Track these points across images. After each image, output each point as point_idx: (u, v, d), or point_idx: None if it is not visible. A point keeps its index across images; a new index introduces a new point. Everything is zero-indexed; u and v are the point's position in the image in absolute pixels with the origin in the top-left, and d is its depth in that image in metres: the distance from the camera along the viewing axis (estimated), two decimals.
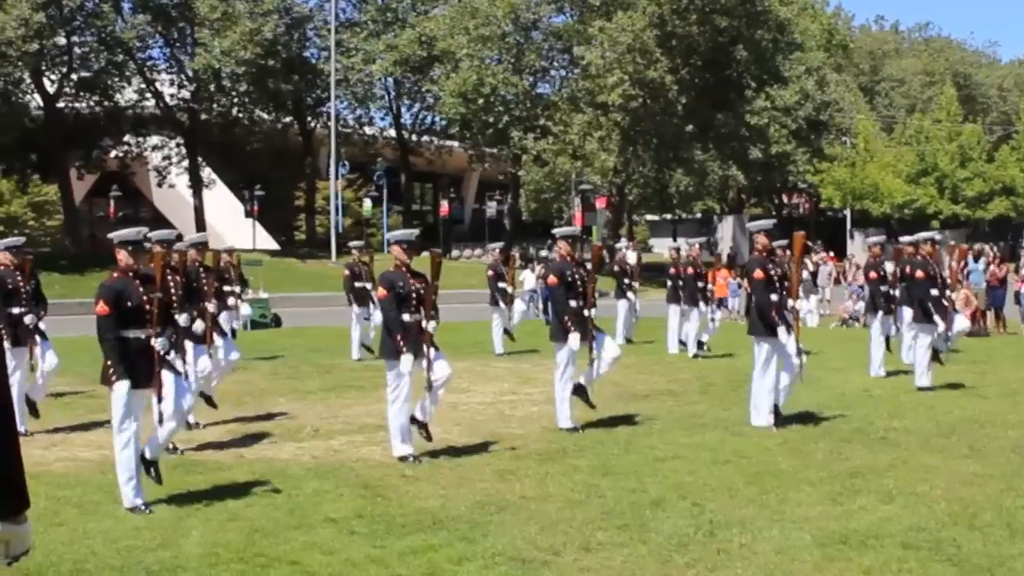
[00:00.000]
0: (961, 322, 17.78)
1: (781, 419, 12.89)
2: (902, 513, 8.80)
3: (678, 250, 24.28)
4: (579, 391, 12.99)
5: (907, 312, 17.14)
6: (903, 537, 8.08)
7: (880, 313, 18.23)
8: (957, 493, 9.46)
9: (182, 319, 11.98)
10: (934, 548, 7.85)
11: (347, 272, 23.22)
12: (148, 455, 9.49)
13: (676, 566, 7.53)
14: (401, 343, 11.00)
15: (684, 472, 10.43)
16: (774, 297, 12.99)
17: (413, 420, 11.29)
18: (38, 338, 14.05)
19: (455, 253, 66.05)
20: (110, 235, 9.98)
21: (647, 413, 14.14)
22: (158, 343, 9.27)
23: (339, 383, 18.14)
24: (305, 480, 10.24)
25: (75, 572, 7.50)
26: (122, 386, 9.10)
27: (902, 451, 11.41)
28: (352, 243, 25.74)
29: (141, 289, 9.40)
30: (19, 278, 13.69)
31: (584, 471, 10.55)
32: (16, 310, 13.45)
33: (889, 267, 18.24)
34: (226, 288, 21.37)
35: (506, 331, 23.36)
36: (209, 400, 13.52)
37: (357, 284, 22.28)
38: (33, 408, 13.45)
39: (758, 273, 13.11)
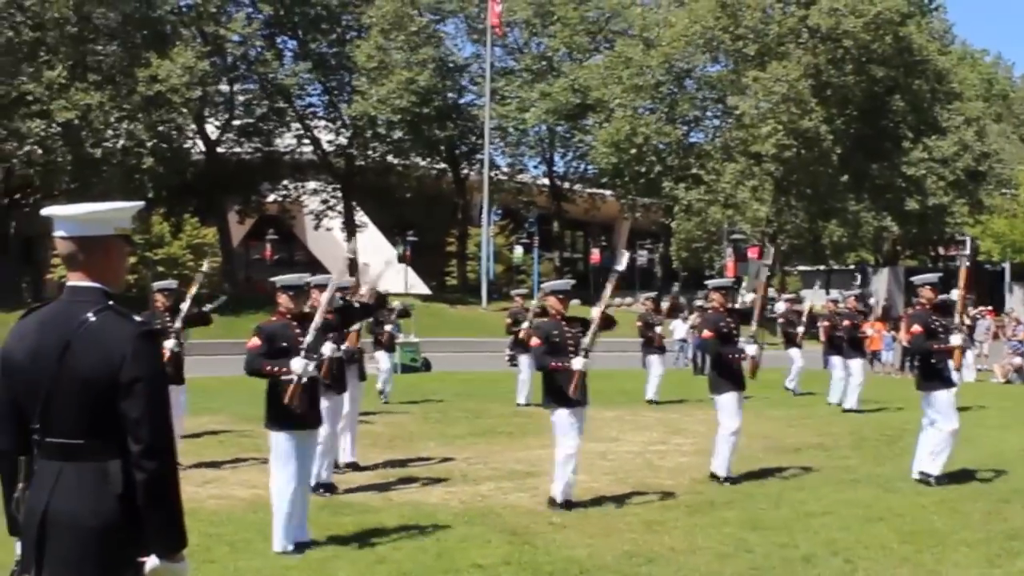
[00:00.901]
0: None
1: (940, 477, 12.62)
2: None
3: (836, 302, 24.01)
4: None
5: None
6: None
7: None
8: None
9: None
10: None
11: (509, 320, 23.27)
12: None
13: None
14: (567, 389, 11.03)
15: (835, 528, 10.25)
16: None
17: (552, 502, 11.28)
18: None
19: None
20: (272, 279, 10.21)
21: (798, 467, 13.94)
22: (297, 364, 9.31)
23: (488, 428, 18.24)
24: (453, 525, 10.30)
25: None
26: (280, 435, 9.37)
27: None
28: (515, 291, 25.94)
29: (298, 330, 9.60)
30: (167, 319, 14.16)
31: (733, 524, 10.43)
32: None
33: None
34: (377, 332, 21.87)
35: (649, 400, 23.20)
36: None
37: (518, 330, 22.19)
38: None
39: (916, 328, 12.89)
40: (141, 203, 4.75)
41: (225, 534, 9.86)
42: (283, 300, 9.83)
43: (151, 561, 3.92)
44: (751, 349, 12.82)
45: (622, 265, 11.97)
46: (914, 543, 9.62)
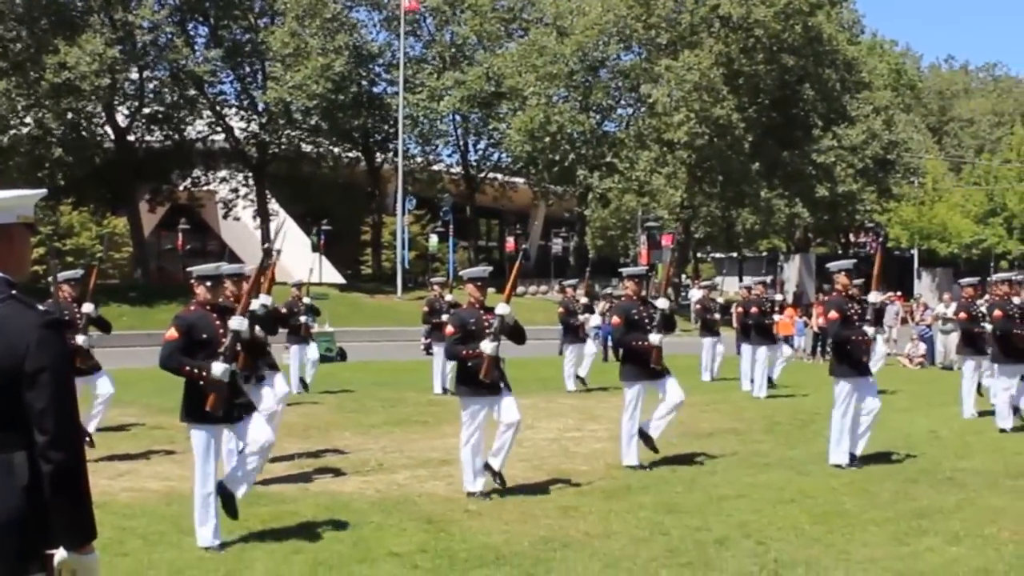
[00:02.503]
0: None
1: (856, 460, 12.79)
2: (969, 555, 8.69)
3: (749, 289, 24.28)
4: (643, 436, 12.93)
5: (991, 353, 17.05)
6: None
7: (973, 354, 18.05)
8: None
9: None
10: None
11: (427, 308, 23.17)
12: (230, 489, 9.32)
13: None
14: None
15: (748, 511, 10.37)
16: (852, 336, 12.92)
17: (487, 467, 11.30)
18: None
19: (520, 289, 66.14)
20: (189, 269, 10.05)
21: (712, 451, 14.07)
22: (217, 369, 9.07)
23: (404, 417, 18.21)
24: (369, 514, 10.27)
25: None
26: (217, 365, 9.05)
27: (969, 492, 11.29)
28: (434, 279, 25.89)
29: (218, 323, 9.40)
30: (76, 310, 14.02)
31: (648, 508, 10.51)
32: (76, 340, 13.72)
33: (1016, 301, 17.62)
34: (293, 322, 21.70)
35: (579, 378, 23.33)
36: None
37: (435, 320, 22.12)
38: (88, 439, 13.61)
39: (833, 314, 13.05)
40: (43, 191, 4.68)
41: (138, 527, 9.74)
42: (200, 291, 9.59)
43: (59, 554, 3.86)
44: (654, 338, 12.84)
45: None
46: (825, 524, 9.76)
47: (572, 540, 9.23)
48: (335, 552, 8.82)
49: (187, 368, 9.07)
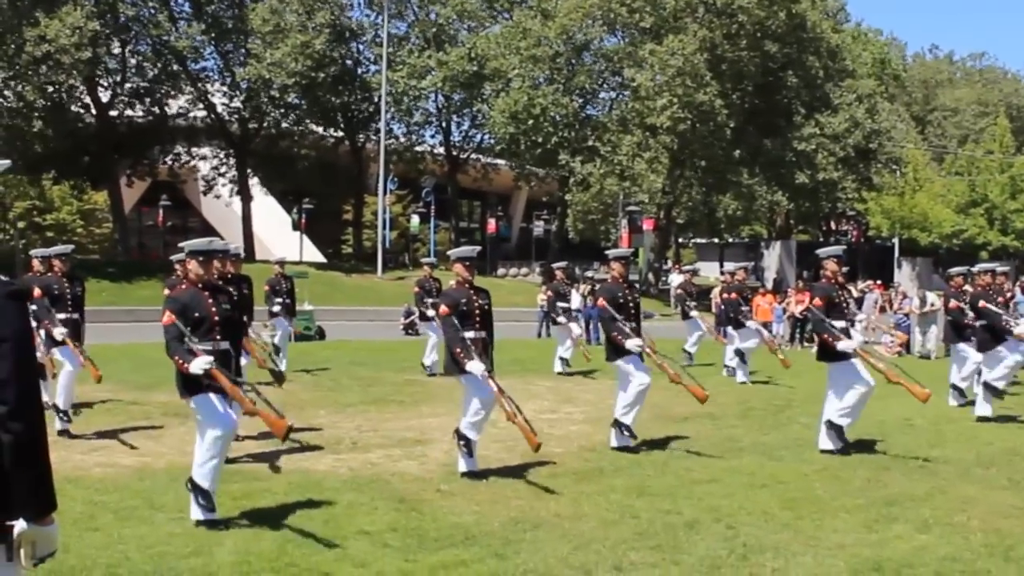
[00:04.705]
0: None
1: (847, 445, 12.83)
2: (938, 543, 8.73)
3: (732, 274, 24.29)
4: (619, 424, 12.93)
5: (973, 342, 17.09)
6: (938, 567, 8.03)
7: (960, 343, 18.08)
8: (994, 524, 9.37)
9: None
10: None
11: (417, 288, 23.09)
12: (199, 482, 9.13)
13: None
14: (462, 356, 11.01)
15: (719, 495, 10.40)
16: (836, 324, 12.92)
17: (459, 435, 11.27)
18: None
19: (500, 271, 66.16)
20: (181, 244, 9.90)
21: (685, 435, 14.11)
22: (197, 365, 8.90)
23: (380, 396, 18.21)
24: (341, 492, 10.27)
25: None
26: (198, 361, 8.89)
27: (940, 480, 11.33)
28: (424, 259, 25.88)
29: (210, 300, 9.26)
30: (65, 284, 13.92)
31: (619, 491, 10.53)
32: (61, 316, 13.60)
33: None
34: (277, 300, 21.73)
35: (565, 360, 23.29)
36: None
37: (428, 300, 22.05)
38: (66, 414, 13.53)
39: (818, 301, 13.05)
40: (7, 162, 4.64)
41: (110, 502, 9.73)
42: (192, 266, 9.38)
43: (19, 525, 3.84)
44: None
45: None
46: (795, 509, 9.80)
47: (543, 521, 9.24)
48: (305, 530, 8.81)
49: (178, 360, 8.96)
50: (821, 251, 13.72)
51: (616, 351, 12.99)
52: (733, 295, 22.62)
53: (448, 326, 11.33)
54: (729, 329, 23.14)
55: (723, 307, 23.37)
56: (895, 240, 72.56)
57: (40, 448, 3.86)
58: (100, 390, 16.83)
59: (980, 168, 74.54)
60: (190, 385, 9.06)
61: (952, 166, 78.97)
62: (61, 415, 13.25)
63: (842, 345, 12.67)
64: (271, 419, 8.94)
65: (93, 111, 53.47)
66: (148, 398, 16.93)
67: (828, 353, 12.98)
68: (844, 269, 13.43)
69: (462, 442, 11.18)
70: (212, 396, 9.03)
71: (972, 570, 8.00)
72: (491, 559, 8.06)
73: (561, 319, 23.49)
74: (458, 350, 11.05)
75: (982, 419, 16.10)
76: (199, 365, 8.86)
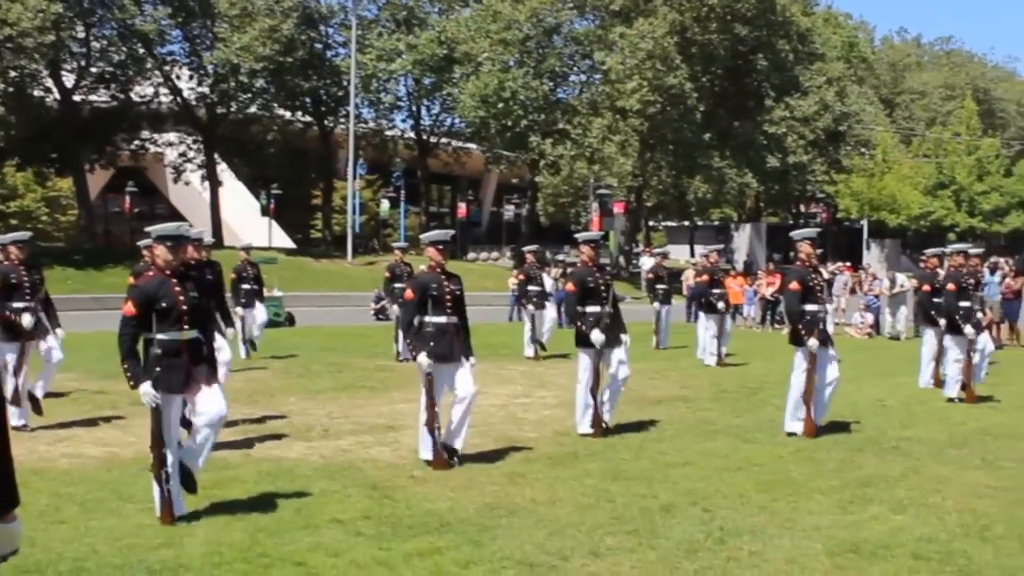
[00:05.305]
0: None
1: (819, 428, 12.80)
2: (913, 523, 8.71)
3: (708, 256, 24.23)
4: (598, 422, 12.82)
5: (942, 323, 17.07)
6: (914, 548, 7.99)
7: (932, 325, 18.07)
8: (969, 504, 9.36)
9: None
10: (945, 559, 7.75)
11: (388, 273, 22.89)
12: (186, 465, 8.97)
13: (685, 573, 7.44)
14: (411, 348, 10.90)
15: (695, 478, 10.34)
16: (810, 308, 12.87)
17: (445, 447, 11.01)
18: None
19: (471, 255, 66.03)
20: (148, 229, 9.56)
21: (659, 419, 14.05)
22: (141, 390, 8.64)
23: (351, 383, 18.09)
24: (313, 480, 10.16)
25: (75, 571, 7.38)
26: (146, 387, 8.61)
27: (914, 461, 11.32)
28: (396, 243, 25.70)
29: (177, 288, 8.86)
30: (23, 273, 13.55)
31: (595, 476, 10.46)
32: (18, 304, 13.32)
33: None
34: (243, 287, 21.60)
35: (539, 342, 23.15)
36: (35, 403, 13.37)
37: (397, 285, 21.83)
38: (36, 404, 13.33)
39: (795, 285, 12.98)
40: None
41: (76, 494, 9.56)
42: (160, 252, 8.96)
43: None
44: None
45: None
46: (771, 492, 9.75)
47: (518, 507, 9.16)
48: (277, 519, 8.70)
49: (125, 369, 8.67)
50: (795, 233, 13.61)
51: (579, 339, 12.92)
52: (704, 277, 22.63)
53: (406, 313, 11.23)
54: (701, 313, 23.12)
55: (701, 290, 23.29)
56: (864, 222, 72.84)
57: (1, 443, 3.72)
58: (66, 380, 16.66)
59: (947, 150, 74.98)
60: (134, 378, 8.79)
61: (920, 149, 79.34)
62: (24, 407, 12.99)
63: (810, 344, 12.64)
64: None
65: (57, 96, 52.91)
66: (115, 387, 16.70)
67: (797, 338, 12.93)
68: (818, 251, 13.33)
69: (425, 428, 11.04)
70: (175, 403, 8.89)
71: (948, 550, 7.96)
72: (467, 546, 7.97)
73: (530, 307, 23.38)
74: (408, 341, 10.94)
75: (951, 400, 16.14)
76: (147, 396, 8.61)
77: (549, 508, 9.15)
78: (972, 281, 16.53)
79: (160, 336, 8.78)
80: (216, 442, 11.66)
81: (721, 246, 28.93)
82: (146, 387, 8.59)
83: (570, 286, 13.17)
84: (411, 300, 11.11)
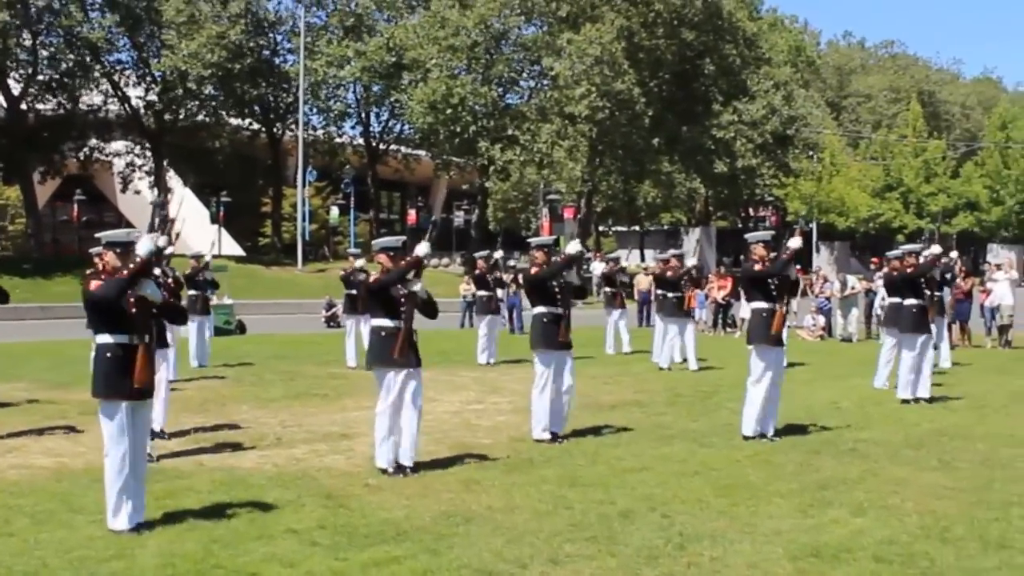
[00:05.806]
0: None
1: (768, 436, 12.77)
2: (874, 526, 8.69)
3: (667, 261, 23.89)
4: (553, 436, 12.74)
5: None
6: (875, 550, 7.96)
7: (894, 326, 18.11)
8: (928, 506, 9.36)
9: None
10: (907, 562, 7.73)
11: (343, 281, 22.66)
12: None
13: None
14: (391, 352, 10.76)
15: (652, 484, 10.28)
16: (765, 305, 12.87)
17: (400, 468, 10.80)
18: None
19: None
20: (98, 235, 9.37)
21: (614, 424, 13.99)
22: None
23: (303, 391, 17.93)
24: (267, 489, 10.02)
25: None
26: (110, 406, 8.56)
27: (872, 463, 11.31)
28: (351, 250, 25.54)
29: (128, 294, 8.71)
30: None
31: (551, 482, 10.38)
32: None
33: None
34: (192, 294, 21.43)
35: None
36: None
37: (350, 292, 21.70)
38: None
39: (757, 266, 13.01)
40: None
41: (25, 505, 9.38)
42: (109, 258, 8.85)
43: None
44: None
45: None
46: (729, 496, 9.70)
47: (474, 515, 9.06)
48: (231, 529, 8.56)
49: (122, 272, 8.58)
50: (749, 236, 13.59)
51: (536, 342, 12.84)
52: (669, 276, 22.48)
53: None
54: (656, 317, 23.06)
55: (648, 295, 23.25)
56: (813, 225, 73.32)
57: None
58: (14, 389, 16.42)
59: (894, 153, 75.70)
60: (107, 388, 8.69)
61: (867, 151, 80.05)
62: None
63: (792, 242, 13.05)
64: None
65: (3, 104, 52.46)
66: (65, 396, 16.49)
67: (755, 337, 12.91)
68: (772, 255, 13.29)
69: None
70: (124, 408, 8.65)
71: (910, 552, 7.94)
72: (424, 555, 7.87)
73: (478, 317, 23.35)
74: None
75: (905, 402, 16.20)
76: (144, 246, 8.61)
77: (506, 515, 9.06)
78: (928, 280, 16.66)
79: (111, 340, 8.67)
80: (169, 452, 11.57)
81: (681, 251, 28.71)
82: (144, 241, 8.68)
83: (534, 270, 13.06)
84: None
